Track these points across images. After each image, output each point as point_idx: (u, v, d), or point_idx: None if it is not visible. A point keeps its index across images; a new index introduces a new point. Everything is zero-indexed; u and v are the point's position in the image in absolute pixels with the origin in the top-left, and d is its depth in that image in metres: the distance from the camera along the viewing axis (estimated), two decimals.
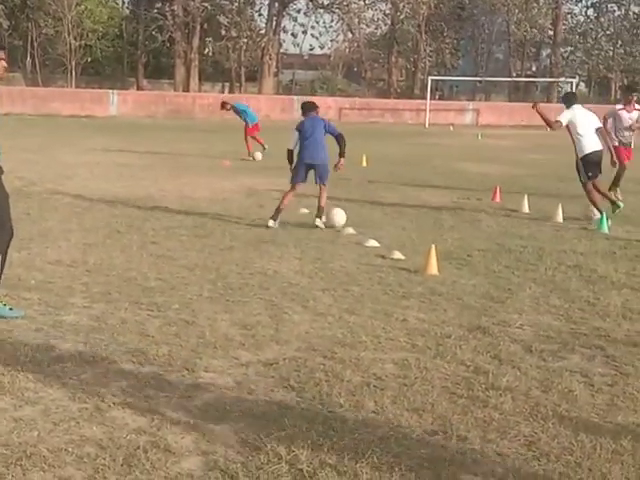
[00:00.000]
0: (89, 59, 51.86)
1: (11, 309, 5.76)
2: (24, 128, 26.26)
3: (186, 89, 50.10)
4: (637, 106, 13.22)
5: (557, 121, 11.00)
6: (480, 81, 59.19)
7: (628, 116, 13.24)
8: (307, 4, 56.61)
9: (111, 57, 56.53)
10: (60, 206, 11.11)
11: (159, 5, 54.21)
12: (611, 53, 62.00)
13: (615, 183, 13.31)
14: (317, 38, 67.03)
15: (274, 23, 54.56)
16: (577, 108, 11.08)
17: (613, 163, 11.40)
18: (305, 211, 10.86)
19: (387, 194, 13.52)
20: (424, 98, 43.94)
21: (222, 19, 53.59)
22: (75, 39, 49.75)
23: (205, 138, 26.00)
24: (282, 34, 58.16)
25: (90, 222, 9.87)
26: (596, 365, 5.11)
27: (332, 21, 59.91)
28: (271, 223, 9.89)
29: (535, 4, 58.46)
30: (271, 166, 16.60)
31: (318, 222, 9.91)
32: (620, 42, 62.26)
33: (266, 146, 19.20)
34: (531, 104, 11.44)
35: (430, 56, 59.00)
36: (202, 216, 10.56)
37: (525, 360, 5.14)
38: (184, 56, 52.08)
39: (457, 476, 3.58)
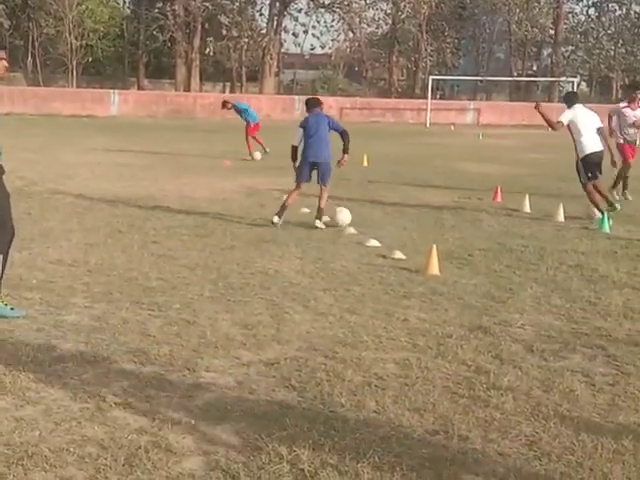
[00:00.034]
0: (90, 59, 51.90)
1: (12, 309, 5.76)
2: (25, 128, 26.27)
3: (187, 89, 50.13)
4: None
5: (558, 121, 10.98)
6: (481, 81, 59.20)
7: (632, 114, 13.24)
8: (308, 4, 56.70)
9: (112, 57, 56.57)
10: (61, 206, 11.11)
11: (160, 5, 54.26)
12: (612, 52, 61.97)
13: (617, 182, 13.31)
14: (318, 38, 67.20)
15: (275, 23, 54.57)
16: (578, 108, 11.07)
17: (613, 163, 11.38)
18: (306, 211, 10.85)
19: (388, 194, 13.52)
20: (425, 98, 43.95)
21: (223, 19, 53.68)
22: (76, 39, 49.78)
23: (206, 138, 26.00)
24: (283, 34, 58.31)
25: (91, 222, 9.87)
26: (597, 365, 5.10)
27: (333, 21, 60.04)
28: (276, 219, 9.93)
29: (536, 3, 58.46)
30: (272, 166, 16.61)
31: (318, 223, 9.90)
32: (621, 41, 62.24)
33: (267, 149, 19.14)
34: (533, 104, 11.45)
35: (431, 55, 59.00)
36: (203, 216, 10.56)
37: (526, 360, 5.13)
38: (185, 56, 52.11)
39: (458, 476, 3.58)
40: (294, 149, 10.23)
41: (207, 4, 51.31)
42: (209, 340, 5.34)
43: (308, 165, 10.06)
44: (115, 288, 6.65)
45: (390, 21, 59.90)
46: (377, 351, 5.24)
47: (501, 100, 56.92)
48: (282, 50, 60.90)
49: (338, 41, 64.31)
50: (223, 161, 17.86)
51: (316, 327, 5.73)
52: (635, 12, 62.69)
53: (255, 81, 55.42)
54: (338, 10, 56.03)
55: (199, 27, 52.24)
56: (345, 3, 54.60)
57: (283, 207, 10.04)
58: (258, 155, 19.00)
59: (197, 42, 52.55)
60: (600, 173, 11.02)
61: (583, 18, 65.09)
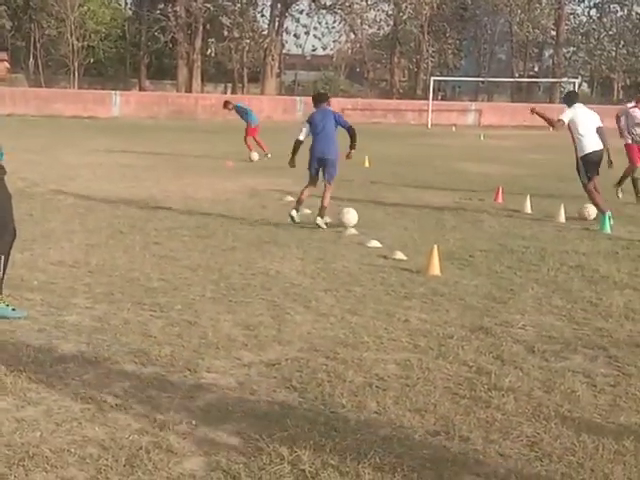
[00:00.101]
0: (92, 60, 51.96)
1: (14, 310, 5.76)
2: (27, 129, 26.29)
3: (188, 90, 50.14)
4: None
5: (559, 120, 10.98)
6: (482, 82, 59.16)
7: None
8: (309, 5, 56.73)
9: (114, 58, 56.62)
10: (63, 207, 11.12)
11: (162, 6, 54.32)
12: (614, 53, 61.97)
13: (622, 181, 13.28)
14: (319, 39, 67.30)
15: (276, 24, 54.59)
16: (579, 107, 11.06)
17: (609, 163, 11.29)
18: (307, 212, 10.85)
19: (389, 194, 13.52)
20: (426, 99, 43.91)
21: (225, 20, 53.71)
22: (78, 40, 49.82)
23: (207, 139, 26.01)
24: (284, 35, 58.36)
25: (93, 223, 9.88)
26: (598, 365, 5.10)
27: (334, 22, 60.07)
28: (293, 212, 10.11)
29: (537, 5, 58.43)
30: (274, 167, 16.61)
31: (319, 221, 9.92)
32: (623, 42, 62.24)
33: (269, 155, 19.05)
34: (529, 110, 11.45)
35: (432, 57, 58.97)
36: (204, 217, 10.56)
37: (527, 360, 5.13)
38: (187, 57, 52.13)
39: (459, 477, 3.57)
40: (297, 143, 10.28)
41: (208, 5, 51.33)
42: (210, 341, 5.34)
43: (316, 161, 10.15)
44: (116, 289, 6.66)
45: (391, 22, 59.88)
46: (378, 352, 5.24)
47: (502, 101, 56.92)
48: (283, 51, 60.94)
49: (339, 42, 64.41)
50: (225, 162, 17.86)
51: (317, 328, 5.73)
52: (637, 13, 62.70)
53: (256, 82, 55.45)
54: (340, 11, 56.03)
55: (200, 28, 52.27)
56: (347, 4, 54.59)
57: (298, 201, 10.24)
58: (255, 156, 18.98)
59: (199, 43, 52.58)
60: (597, 174, 11.00)
61: (584, 19, 65.15)
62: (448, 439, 3.94)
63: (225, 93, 55.34)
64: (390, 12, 59.14)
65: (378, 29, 63.21)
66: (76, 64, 49.72)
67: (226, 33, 54.22)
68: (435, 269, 7.50)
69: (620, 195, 13.15)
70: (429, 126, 39.26)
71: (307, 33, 63.12)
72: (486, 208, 12.16)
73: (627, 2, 62.23)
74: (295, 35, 63.06)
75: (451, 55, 59.61)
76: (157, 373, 4.72)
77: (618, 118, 13.03)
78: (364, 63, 61.61)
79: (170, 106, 40.76)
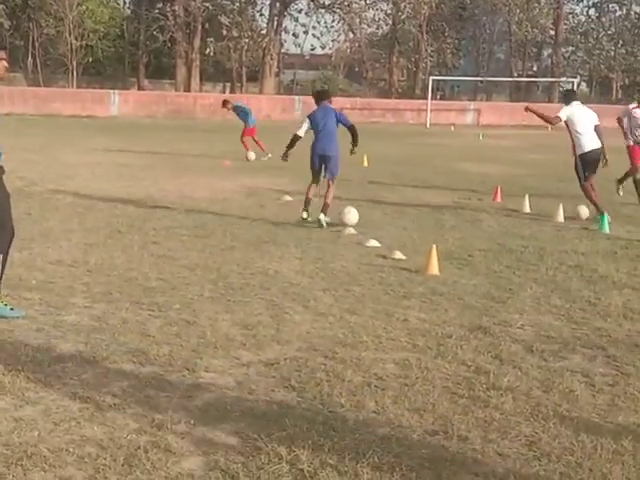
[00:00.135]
0: (90, 59, 51.90)
1: (12, 309, 5.76)
2: (25, 128, 26.27)
3: (187, 89, 50.12)
4: None
5: (556, 116, 10.97)
6: (481, 81, 59.21)
7: None
8: (308, 4, 56.66)
9: (112, 57, 56.56)
10: (61, 206, 11.11)
11: (160, 5, 54.27)
12: (612, 53, 61.99)
13: (624, 178, 13.27)
14: (318, 38, 67.06)
15: (275, 23, 54.57)
16: (576, 105, 11.07)
17: (604, 161, 11.26)
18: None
19: (388, 194, 13.52)
20: (425, 98, 43.95)
21: (223, 19, 53.67)
22: (76, 39, 49.77)
23: (206, 138, 26.01)
24: (283, 34, 58.31)
25: (91, 222, 9.87)
26: (597, 365, 5.10)
27: (333, 21, 59.99)
28: (305, 215, 10.14)
29: (536, 4, 58.45)
30: (272, 166, 16.61)
31: (322, 217, 9.94)
32: (621, 42, 62.26)
33: (269, 154, 19.00)
34: (529, 110, 11.44)
35: (431, 56, 59.00)
36: (203, 216, 10.56)
37: (526, 360, 5.13)
38: (185, 56, 52.10)
39: (458, 476, 3.57)
40: (295, 137, 10.29)
41: (207, 4, 51.32)
42: (209, 340, 5.34)
43: (317, 157, 10.17)
44: (115, 288, 6.65)
45: (390, 21, 59.88)
46: (377, 351, 5.24)
47: (501, 101, 56.95)
48: (282, 50, 60.92)
49: (338, 41, 64.38)
50: (223, 161, 17.86)
51: (316, 327, 5.73)
52: (635, 13, 62.75)
53: (255, 81, 55.42)
54: (338, 11, 56.01)
55: (199, 27, 52.23)
56: (345, 4, 54.58)
57: (306, 202, 10.26)
58: (252, 155, 18.97)
59: (197, 42, 52.55)
60: (594, 172, 11.00)
61: (583, 19, 65.19)
62: (446, 439, 3.94)
63: (224, 92, 55.31)
64: (389, 11, 59.17)
65: (377, 28, 63.27)
66: (75, 63, 49.68)
67: (225, 32, 54.19)
68: (434, 269, 7.50)
69: (621, 193, 13.17)
70: (428, 125, 39.27)
71: (306, 32, 63.14)
72: (485, 208, 12.17)
73: (626, 2, 62.27)
74: (294, 34, 63.11)
75: (450, 54, 59.61)
76: (155, 373, 4.72)
77: (620, 120, 12.97)
78: (363, 62, 61.61)
79: (169, 105, 40.77)
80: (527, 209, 11.84)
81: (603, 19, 63.58)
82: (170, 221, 10.12)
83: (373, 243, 8.89)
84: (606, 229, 10.21)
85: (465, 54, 64.98)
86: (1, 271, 5.69)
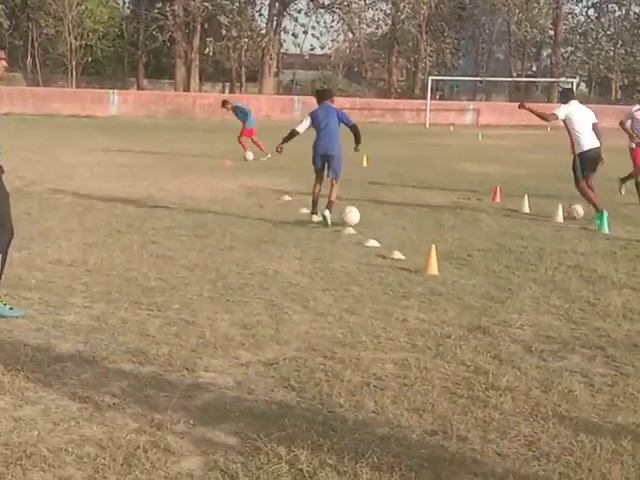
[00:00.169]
0: (90, 59, 51.91)
1: (11, 309, 5.76)
2: (25, 128, 26.27)
3: (186, 89, 50.12)
4: None
5: (553, 113, 10.97)
6: (480, 81, 59.22)
7: None
8: (308, 4, 56.68)
9: (112, 57, 56.58)
10: (60, 206, 11.11)
11: (160, 5, 54.25)
12: (612, 53, 62.02)
13: (627, 179, 13.28)
14: (318, 38, 67.00)
15: (275, 23, 54.58)
16: (574, 104, 11.07)
17: (600, 160, 11.23)
18: (306, 211, 10.86)
19: (387, 194, 13.52)
20: (424, 98, 43.96)
21: (223, 19, 53.64)
22: (76, 39, 49.78)
23: (205, 138, 26.01)
24: (283, 34, 58.29)
25: (90, 222, 9.87)
26: (596, 365, 5.10)
27: (333, 21, 59.99)
28: (315, 218, 10.15)
29: (536, 4, 58.48)
30: (271, 166, 16.62)
31: (327, 213, 9.96)
32: (621, 42, 62.28)
33: (269, 154, 18.98)
34: (518, 105, 11.44)
35: (431, 56, 59.01)
36: (202, 216, 10.56)
37: (525, 360, 5.13)
38: (185, 56, 52.10)
39: (457, 476, 3.57)
40: (294, 132, 10.31)
41: (207, 4, 51.32)
42: (208, 340, 5.34)
43: (319, 157, 10.20)
44: (114, 288, 6.65)
45: (390, 22, 59.91)
46: (376, 351, 5.24)
47: (500, 101, 56.95)
48: (282, 50, 60.91)
49: (338, 41, 64.35)
50: (223, 161, 17.86)
51: (315, 327, 5.73)
52: (634, 13, 62.78)
53: (254, 81, 55.43)
54: (338, 10, 56.04)
55: (198, 27, 52.25)
56: (345, 4, 54.61)
57: (314, 203, 10.27)
58: (250, 155, 18.97)
59: (197, 42, 52.56)
60: (594, 171, 11.01)
61: (582, 19, 65.21)
62: (446, 439, 3.94)
63: (223, 92, 55.31)
64: (388, 11, 59.21)
65: (376, 28, 63.29)
66: (74, 63, 49.68)
67: (224, 32, 54.18)
68: (433, 269, 7.50)
69: (623, 192, 13.19)
70: (427, 126, 39.28)
71: (305, 32, 63.10)
72: (484, 208, 12.17)
73: (625, 2, 62.30)
74: (293, 34, 63.04)
75: (449, 55, 59.63)
76: (155, 372, 4.72)
77: (623, 123, 12.90)
78: (362, 62, 61.62)
79: (168, 105, 40.77)
80: (526, 209, 11.84)
81: (602, 19, 63.59)
82: (170, 221, 10.12)
83: (372, 243, 8.89)
84: (605, 229, 10.21)
85: (464, 54, 65.00)
86: (1, 271, 5.68)
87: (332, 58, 65.38)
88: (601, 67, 61.81)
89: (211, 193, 12.87)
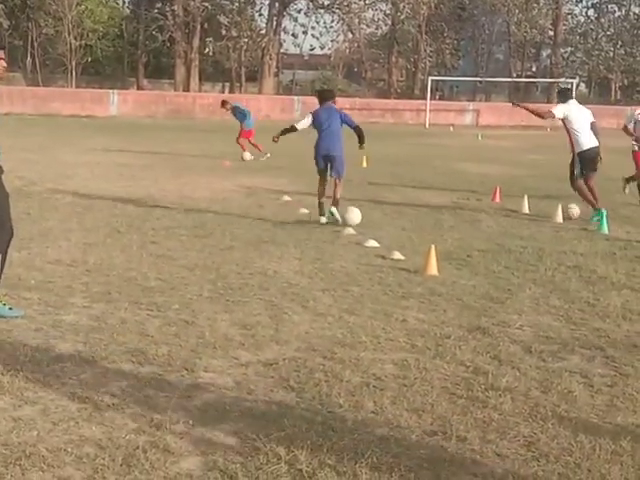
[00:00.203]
0: (89, 59, 51.93)
1: (11, 309, 5.75)
2: (24, 128, 26.27)
3: (186, 89, 50.14)
4: None
5: (549, 111, 10.99)
6: (480, 81, 59.21)
7: None
8: (307, 4, 56.70)
9: (111, 57, 56.60)
10: (60, 206, 11.11)
11: (159, 5, 54.32)
12: (611, 54, 62.04)
13: (629, 180, 13.27)
14: (317, 38, 66.87)
15: (274, 23, 54.59)
16: (572, 103, 11.08)
17: (600, 158, 11.20)
18: (305, 211, 10.86)
19: (387, 194, 13.52)
20: (424, 98, 43.98)
21: (222, 19, 53.65)
22: (75, 39, 49.80)
23: (205, 138, 26.01)
24: (282, 34, 58.30)
25: (90, 222, 9.87)
26: (596, 366, 5.10)
27: (332, 21, 60.01)
28: (323, 220, 10.13)
29: (535, 4, 58.53)
30: (271, 166, 16.61)
31: (334, 209, 9.99)
32: (620, 43, 62.31)
33: (268, 154, 18.97)
34: (511, 104, 11.45)
35: (430, 56, 59.03)
36: (202, 216, 10.56)
37: (525, 361, 5.13)
38: (184, 56, 52.12)
39: (456, 477, 3.57)
40: (292, 128, 10.37)
41: (206, 4, 51.34)
42: (208, 340, 5.34)
43: (321, 157, 10.21)
44: (114, 288, 6.65)
45: (389, 22, 59.94)
46: (375, 352, 5.24)
47: (500, 101, 56.89)
48: (281, 50, 60.91)
49: (337, 42, 64.36)
50: (222, 161, 17.86)
51: (315, 327, 5.73)
52: (634, 13, 62.82)
53: (254, 81, 55.43)
54: (337, 11, 56.06)
55: (198, 27, 52.27)
56: (344, 4, 54.63)
57: (320, 205, 10.26)
58: (248, 156, 18.98)
59: (196, 42, 52.58)
60: (595, 170, 11.01)
61: (582, 19, 65.25)
62: (445, 439, 3.94)
63: (223, 92, 55.33)
64: (388, 12, 59.24)
65: (376, 29, 63.33)
66: (74, 63, 49.70)
67: (224, 32, 54.19)
68: (433, 269, 7.50)
69: (627, 191, 13.20)
70: (427, 126, 39.29)
71: (305, 32, 63.08)
72: (484, 208, 12.17)
73: (625, 2, 62.34)
74: (293, 34, 63.02)
75: (449, 55, 59.65)
76: (154, 373, 4.72)
77: (625, 127, 12.84)
78: (362, 63, 61.63)
79: (168, 105, 40.79)
80: (526, 209, 11.84)
81: (602, 20, 63.63)
82: (169, 221, 10.12)
83: (372, 243, 8.88)
84: (605, 230, 10.21)
85: (464, 54, 65.02)
86: (0, 271, 5.68)
87: (332, 58, 65.38)
88: (601, 68, 61.83)
89: (211, 193, 12.87)
